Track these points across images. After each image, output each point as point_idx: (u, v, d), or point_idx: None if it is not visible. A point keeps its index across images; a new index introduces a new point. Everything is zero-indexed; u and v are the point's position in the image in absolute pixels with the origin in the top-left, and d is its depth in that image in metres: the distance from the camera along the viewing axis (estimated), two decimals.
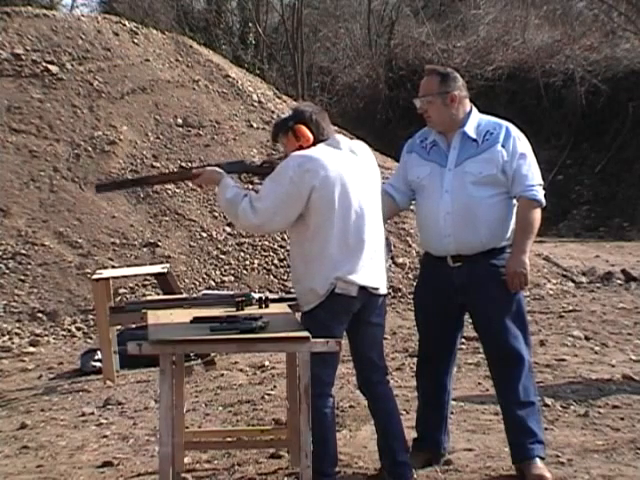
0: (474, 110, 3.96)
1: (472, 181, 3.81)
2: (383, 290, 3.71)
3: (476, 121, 3.91)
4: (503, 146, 3.83)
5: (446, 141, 3.92)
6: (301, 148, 3.63)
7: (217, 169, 3.77)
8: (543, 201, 3.87)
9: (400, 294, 8.59)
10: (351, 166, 3.63)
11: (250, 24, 21.92)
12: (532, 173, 3.85)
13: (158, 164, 9.77)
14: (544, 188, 3.91)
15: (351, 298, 3.56)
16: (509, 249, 3.87)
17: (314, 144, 3.63)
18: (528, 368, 3.89)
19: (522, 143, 3.88)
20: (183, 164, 9.75)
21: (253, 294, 4.03)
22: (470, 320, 4.03)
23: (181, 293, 6.18)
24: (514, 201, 3.89)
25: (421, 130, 4.07)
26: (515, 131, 3.90)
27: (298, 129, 3.64)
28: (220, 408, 5.30)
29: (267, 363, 6.31)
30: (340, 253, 3.53)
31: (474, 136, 3.86)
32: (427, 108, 3.90)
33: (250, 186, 8.08)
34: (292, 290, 4.02)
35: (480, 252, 3.83)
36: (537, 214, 3.86)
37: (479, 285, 3.83)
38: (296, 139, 3.64)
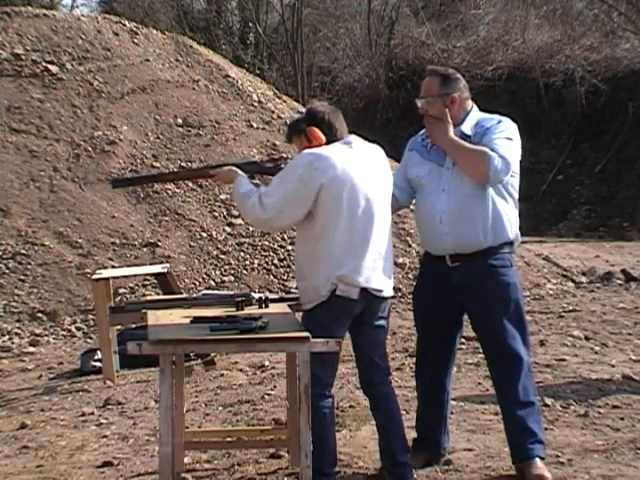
0: (474, 109, 3.95)
1: (469, 180, 3.81)
2: (387, 292, 3.70)
3: (475, 119, 3.91)
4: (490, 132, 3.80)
5: None
6: None
7: (234, 168, 3.80)
8: (494, 166, 3.68)
9: (400, 294, 8.57)
10: (362, 166, 3.62)
11: (250, 24, 21.95)
12: (505, 148, 3.72)
13: (158, 164, 9.77)
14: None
15: (351, 301, 3.56)
16: (507, 248, 3.87)
17: (327, 145, 3.62)
18: (527, 368, 3.89)
19: (508, 129, 3.81)
20: (183, 164, 9.74)
21: (253, 294, 4.04)
22: (469, 320, 4.03)
23: (181, 293, 6.17)
24: (512, 201, 3.88)
25: (424, 129, 4.06)
26: (506, 122, 3.86)
27: (310, 131, 3.64)
28: (220, 408, 5.29)
29: (267, 363, 6.31)
30: (345, 252, 3.53)
31: (469, 132, 3.86)
32: (427, 109, 3.91)
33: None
34: (294, 288, 4.03)
35: (478, 251, 3.83)
36: (486, 162, 3.68)
37: (477, 285, 3.83)
38: (308, 141, 3.64)
